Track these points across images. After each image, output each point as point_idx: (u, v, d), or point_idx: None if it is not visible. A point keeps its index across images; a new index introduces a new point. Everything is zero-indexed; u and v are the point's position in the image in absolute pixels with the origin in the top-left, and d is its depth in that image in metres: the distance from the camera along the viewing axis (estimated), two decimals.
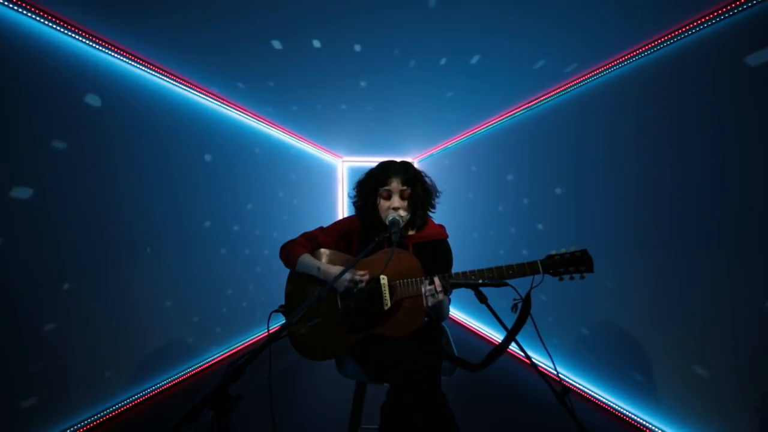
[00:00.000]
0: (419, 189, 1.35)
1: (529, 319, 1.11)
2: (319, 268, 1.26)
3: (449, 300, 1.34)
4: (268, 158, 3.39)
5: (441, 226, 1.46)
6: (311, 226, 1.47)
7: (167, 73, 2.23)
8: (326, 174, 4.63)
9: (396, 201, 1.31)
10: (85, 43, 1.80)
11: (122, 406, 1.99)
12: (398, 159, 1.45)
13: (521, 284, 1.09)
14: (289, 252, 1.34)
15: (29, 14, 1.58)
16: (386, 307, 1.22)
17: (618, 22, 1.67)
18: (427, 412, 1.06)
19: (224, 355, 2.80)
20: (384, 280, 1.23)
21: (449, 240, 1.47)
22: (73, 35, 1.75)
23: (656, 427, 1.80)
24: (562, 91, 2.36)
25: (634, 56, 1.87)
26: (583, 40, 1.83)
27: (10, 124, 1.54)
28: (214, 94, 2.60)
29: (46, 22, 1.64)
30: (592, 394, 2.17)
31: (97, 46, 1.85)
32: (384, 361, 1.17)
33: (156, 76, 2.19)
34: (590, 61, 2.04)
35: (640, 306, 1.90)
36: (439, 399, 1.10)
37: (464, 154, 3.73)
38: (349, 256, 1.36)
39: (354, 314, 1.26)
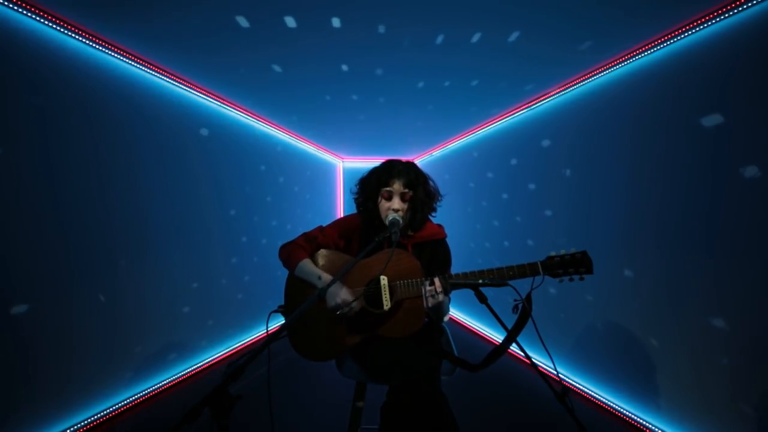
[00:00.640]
0: (420, 192, 1.35)
1: (531, 322, 1.11)
2: (320, 277, 1.25)
3: (449, 300, 1.34)
4: (266, 157, 3.40)
5: (439, 226, 1.46)
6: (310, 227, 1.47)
7: (167, 72, 2.23)
8: (326, 174, 4.63)
9: (396, 203, 1.31)
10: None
11: (122, 406, 1.99)
12: (403, 159, 1.44)
13: (521, 285, 1.09)
14: (289, 254, 1.34)
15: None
16: (386, 308, 1.21)
17: (625, 18, 1.65)
18: (427, 412, 1.06)
19: (224, 355, 2.80)
20: (384, 280, 1.23)
21: (448, 239, 1.47)
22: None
23: (656, 427, 1.80)
24: (568, 88, 2.36)
25: (642, 53, 1.86)
26: (596, 33, 1.81)
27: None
28: (215, 95, 2.60)
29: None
30: (592, 394, 2.17)
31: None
32: (384, 361, 1.17)
33: (156, 75, 2.20)
34: (599, 57, 2.02)
35: (639, 306, 1.90)
36: (439, 399, 1.10)
37: (467, 151, 3.73)
38: (349, 256, 1.36)
39: (354, 315, 1.26)
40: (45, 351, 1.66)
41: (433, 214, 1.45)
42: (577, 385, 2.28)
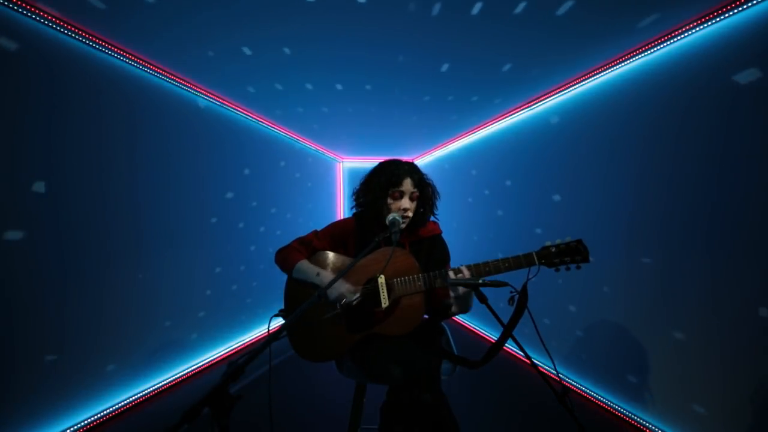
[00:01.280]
0: (428, 192, 1.37)
1: (530, 321, 1.11)
2: (318, 274, 1.26)
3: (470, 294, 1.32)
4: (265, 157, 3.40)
5: (434, 222, 1.46)
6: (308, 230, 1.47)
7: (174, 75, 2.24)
8: (326, 174, 4.63)
9: (406, 202, 1.31)
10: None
11: (122, 406, 1.99)
12: (403, 159, 1.45)
13: (519, 276, 1.10)
14: (286, 257, 1.34)
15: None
16: (384, 306, 1.22)
17: (615, 22, 1.67)
18: (427, 412, 1.06)
19: (224, 355, 2.80)
20: (381, 278, 1.24)
21: (444, 236, 1.48)
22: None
23: (656, 427, 1.80)
24: (560, 92, 2.36)
25: (633, 57, 1.88)
26: (581, 44, 1.84)
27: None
28: (220, 97, 2.60)
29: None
30: (592, 394, 2.17)
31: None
32: (384, 361, 1.17)
33: (155, 75, 2.20)
34: (589, 62, 2.04)
35: (639, 307, 1.90)
36: (439, 399, 1.10)
37: (468, 150, 3.73)
38: (346, 257, 1.37)
39: (353, 313, 1.26)
40: (45, 351, 1.66)
41: (435, 216, 1.45)
42: (577, 385, 2.28)
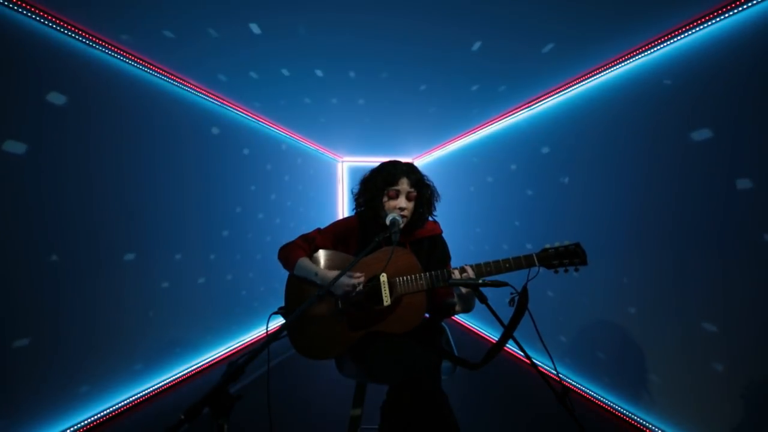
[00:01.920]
0: (426, 192, 1.38)
1: (530, 321, 1.11)
2: (316, 273, 1.26)
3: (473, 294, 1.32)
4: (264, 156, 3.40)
5: (435, 222, 1.47)
6: (310, 228, 1.47)
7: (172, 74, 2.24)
8: (326, 174, 4.63)
9: (402, 201, 1.32)
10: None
11: (122, 406, 1.99)
12: (403, 159, 1.45)
13: (519, 277, 1.10)
14: (288, 254, 1.34)
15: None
16: (386, 304, 1.22)
17: (622, 19, 1.66)
18: (427, 411, 1.06)
19: (224, 355, 2.80)
20: (383, 277, 1.24)
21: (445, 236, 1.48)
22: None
23: (655, 427, 1.80)
24: (564, 90, 2.36)
25: (636, 55, 1.87)
26: (589, 39, 1.82)
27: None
28: (221, 96, 2.60)
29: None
30: (592, 394, 2.17)
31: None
32: (384, 360, 1.17)
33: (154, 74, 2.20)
34: (595, 60, 2.03)
35: (639, 307, 1.90)
36: (439, 398, 1.10)
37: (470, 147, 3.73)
38: (348, 256, 1.36)
39: (354, 312, 1.26)
40: (45, 351, 1.66)
41: (434, 216, 1.45)
42: (577, 385, 2.28)
